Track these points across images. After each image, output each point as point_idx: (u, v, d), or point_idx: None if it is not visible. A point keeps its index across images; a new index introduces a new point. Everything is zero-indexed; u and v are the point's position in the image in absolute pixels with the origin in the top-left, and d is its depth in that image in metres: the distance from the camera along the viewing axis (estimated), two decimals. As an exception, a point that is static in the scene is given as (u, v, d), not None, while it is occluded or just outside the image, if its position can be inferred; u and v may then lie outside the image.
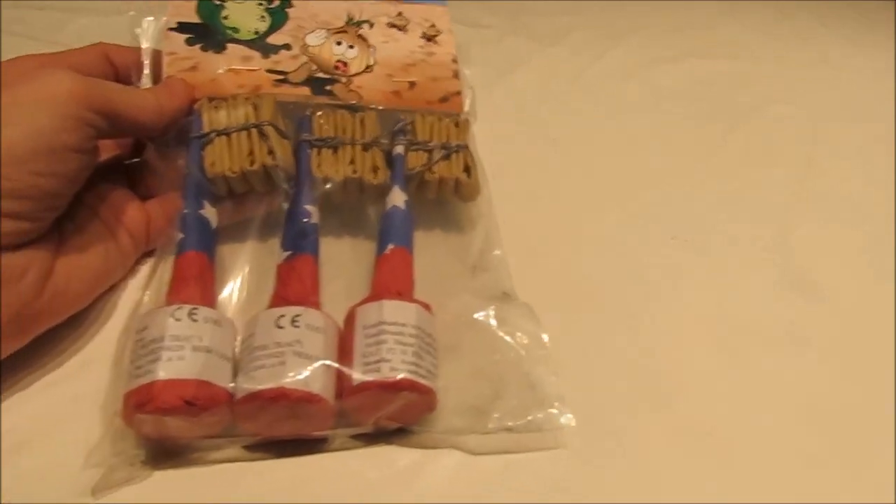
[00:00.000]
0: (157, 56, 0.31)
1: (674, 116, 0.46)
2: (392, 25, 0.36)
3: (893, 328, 0.33)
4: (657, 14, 0.59)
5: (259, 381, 0.23)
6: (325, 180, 0.29)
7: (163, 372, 0.22)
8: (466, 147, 0.32)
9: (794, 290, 0.34)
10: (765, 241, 0.37)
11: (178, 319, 0.24)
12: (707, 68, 0.52)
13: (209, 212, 0.28)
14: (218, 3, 0.34)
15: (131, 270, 0.29)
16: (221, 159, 0.28)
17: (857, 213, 0.40)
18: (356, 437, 0.25)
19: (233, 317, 0.26)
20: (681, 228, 0.37)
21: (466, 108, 0.35)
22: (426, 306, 0.26)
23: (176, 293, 0.25)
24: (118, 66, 0.30)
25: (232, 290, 0.28)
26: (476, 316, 0.27)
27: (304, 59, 0.33)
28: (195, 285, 0.26)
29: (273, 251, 0.29)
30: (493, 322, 0.27)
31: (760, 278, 0.35)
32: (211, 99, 0.30)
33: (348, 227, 0.31)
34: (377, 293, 0.26)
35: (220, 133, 0.29)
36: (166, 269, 0.26)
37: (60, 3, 0.47)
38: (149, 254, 0.29)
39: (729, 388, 0.30)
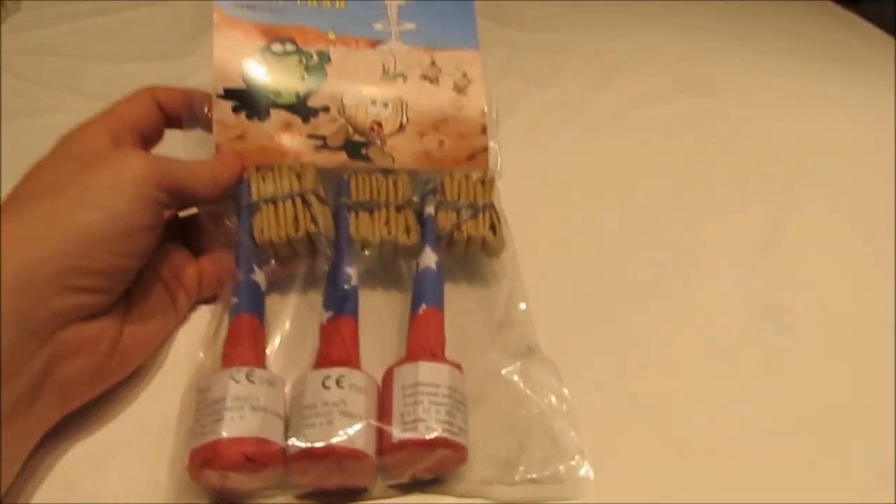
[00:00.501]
0: (201, 98, 0.33)
1: (661, 155, 0.48)
2: (425, 77, 0.37)
3: (864, 355, 0.36)
4: (643, 53, 0.62)
5: (310, 439, 0.26)
6: (363, 241, 0.32)
7: (226, 431, 0.25)
8: (492, 205, 0.34)
9: (769, 324, 0.37)
10: (746, 273, 0.40)
11: (237, 381, 0.26)
12: (693, 105, 0.54)
13: (259, 276, 0.31)
14: (261, 63, 0.36)
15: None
16: (269, 226, 0.31)
17: (833, 245, 0.43)
18: (394, 486, 0.28)
19: (280, 372, 0.29)
20: (667, 256, 0.39)
21: (492, 164, 0.37)
22: (457, 366, 0.29)
23: (232, 354, 0.28)
24: (167, 110, 0.33)
25: (278, 346, 0.31)
26: (503, 372, 0.30)
27: (342, 121, 0.35)
28: (249, 346, 0.28)
29: (314, 305, 0.32)
30: (519, 378, 0.30)
31: (741, 305, 0.37)
32: (258, 168, 0.32)
33: (383, 283, 0.34)
34: (413, 354, 0.29)
35: (267, 201, 0.31)
36: (223, 330, 0.29)
37: (83, 51, 0.50)
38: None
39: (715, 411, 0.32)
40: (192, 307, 0.32)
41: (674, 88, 0.56)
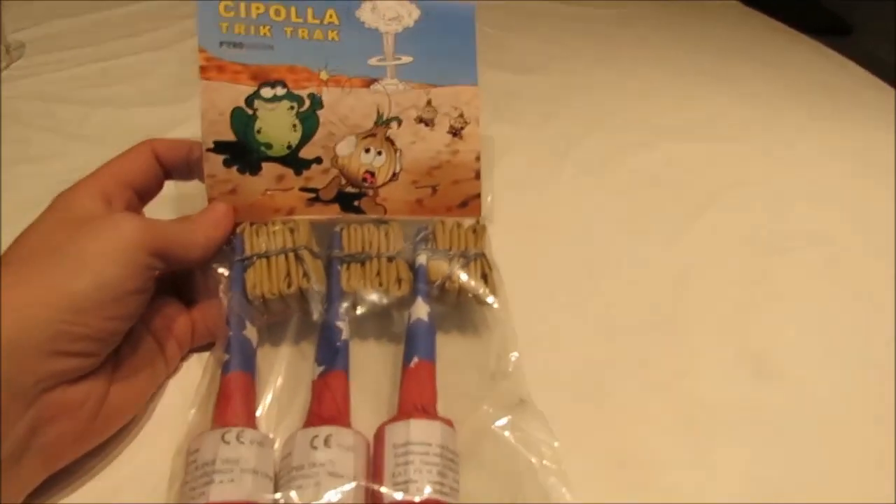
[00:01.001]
0: (199, 150, 0.33)
1: (643, 201, 0.48)
2: (420, 120, 0.37)
3: (845, 408, 0.35)
4: (634, 96, 0.62)
5: (297, 501, 0.26)
6: (354, 294, 0.32)
7: (215, 495, 0.25)
8: (483, 254, 0.34)
9: (751, 371, 0.36)
10: (728, 323, 0.39)
11: (227, 443, 0.27)
12: (676, 150, 0.54)
13: (250, 331, 0.31)
14: (251, 112, 0.35)
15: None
16: (261, 282, 0.31)
17: (818, 301, 0.42)
18: (385, 545, 0.28)
19: (272, 428, 0.29)
20: (653, 312, 0.39)
21: (485, 210, 0.37)
22: (449, 423, 0.29)
23: (223, 413, 0.28)
24: (166, 163, 0.33)
25: (270, 401, 0.31)
26: (495, 426, 0.30)
27: (335, 172, 0.35)
28: (240, 405, 0.29)
29: (306, 356, 0.32)
30: (510, 433, 0.30)
31: (724, 357, 0.37)
32: (251, 223, 0.33)
33: (375, 332, 0.34)
34: (405, 410, 0.29)
35: (260, 257, 0.32)
36: (214, 386, 0.29)
37: (84, 97, 0.51)
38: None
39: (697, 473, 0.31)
40: (184, 356, 0.33)
41: (663, 133, 0.56)
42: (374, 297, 0.32)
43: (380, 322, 0.33)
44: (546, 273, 0.41)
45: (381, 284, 0.33)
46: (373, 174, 0.36)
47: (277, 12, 0.35)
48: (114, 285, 0.26)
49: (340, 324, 0.31)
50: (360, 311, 0.32)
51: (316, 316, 0.31)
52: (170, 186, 0.35)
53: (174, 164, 0.34)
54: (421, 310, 0.32)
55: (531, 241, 0.43)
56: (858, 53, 0.80)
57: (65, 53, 0.55)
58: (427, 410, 0.29)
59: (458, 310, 0.35)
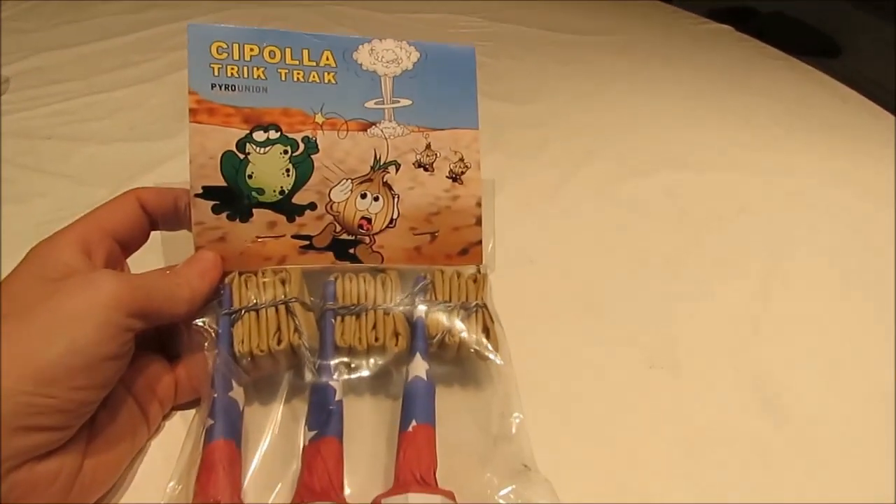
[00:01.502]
0: (187, 198, 0.32)
1: (642, 232, 0.48)
2: (419, 165, 0.36)
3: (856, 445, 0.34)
4: (625, 127, 0.62)
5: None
6: (349, 349, 0.30)
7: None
8: (485, 306, 0.33)
9: (763, 412, 0.35)
10: (737, 361, 0.38)
11: (208, 520, 0.25)
12: (674, 179, 0.54)
13: (237, 392, 0.29)
14: (242, 156, 0.34)
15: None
16: (250, 337, 0.29)
17: (821, 332, 0.41)
18: None
19: (258, 494, 0.27)
20: (655, 356, 0.38)
21: (486, 258, 0.35)
22: (450, 494, 0.27)
23: (206, 486, 0.26)
24: (152, 214, 0.32)
25: (257, 467, 0.29)
26: (499, 496, 0.28)
27: (329, 218, 0.34)
28: (224, 476, 0.26)
29: (297, 416, 0.30)
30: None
31: (734, 400, 0.36)
32: (241, 273, 0.31)
33: (371, 388, 0.32)
34: (403, 482, 0.27)
35: (248, 309, 0.30)
36: (198, 452, 0.27)
37: (68, 132, 0.50)
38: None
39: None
40: (167, 414, 0.31)
41: (659, 162, 0.56)
42: (370, 357, 0.30)
43: (376, 380, 0.32)
44: (546, 319, 0.40)
45: (377, 339, 0.31)
46: (369, 220, 0.35)
47: (272, 54, 0.34)
48: (87, 352, 0.24)
49: (334, 383, 0.29)
50: (354, 369, 0.30)
51: (308, 377, 0.29)
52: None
53: (161, 214, 0.32)
54: (419, 367, 0.30)
55: (530, 282, 0.41)
56: (848, 74, 0.82)
57: (50, 88, 0.54)
58: (426, 481, 0.27)
59: (459, 364, 0.34)
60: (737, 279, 0.44)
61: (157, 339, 0.31)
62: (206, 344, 0.30)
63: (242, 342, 0.29)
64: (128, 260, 0.32)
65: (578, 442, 0.33)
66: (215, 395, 0.28)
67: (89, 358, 0.24)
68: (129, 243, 0.31)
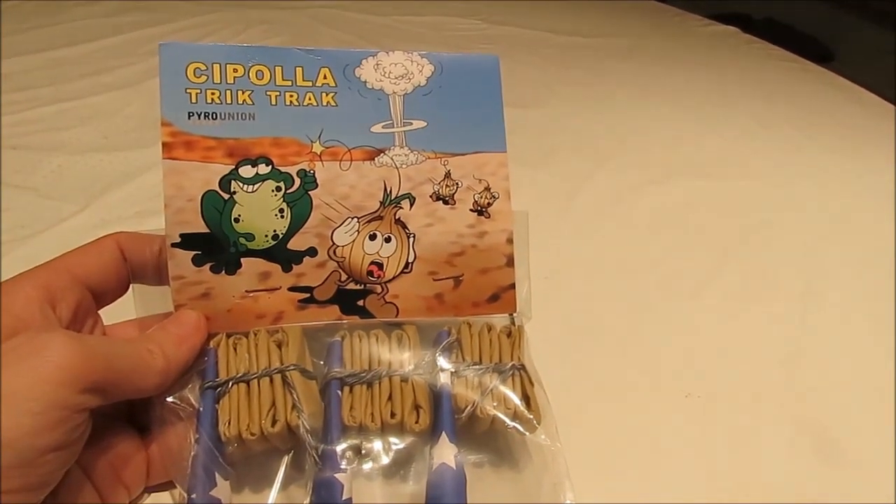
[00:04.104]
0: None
1: (662, 246, 0.46)
2: (437, 197, 0.31)
3: None
4: (637, 133, 0.61)
5: None
6: (360, 428, 0.26)
7: None
8: (524, 368, 0.28)
9: (811, 450, 0.32)
10: (778, 394, 0.36)
11: None
12: (691, 188, 0.53)
13: (221, 489, 0.24)
14: (227, 196, 0.29)
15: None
16: (239, 416, 0.25)
17: (860, 352, 0.39)
18: None
19: None
20: (690, 384, 0.35)
21: (521, 305, 0.31)
22: None
23: None
24: (132, 262, 0.28)
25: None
26: None
27: (332, 266, 0.29)
28: None
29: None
30: None
31: (777, 439, 0.33)
32: (229, 335, 0.27)
33: (386, 480, 0.27)
34: None
35: (237, 381, 0.25)
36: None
37: (35, 142, 0.47)
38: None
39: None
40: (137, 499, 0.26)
41: (669, 169, 0.55)
42: (385, 438, 0.25)
43: (392, 468, 0.27)
44: (566, 344, 0.36)
45: (393, 415, 0.26)
46: (380, 266, 0.30)
47: (259, 74, 0.29)
48: (22, 445, 0.19)
49: (341, 476, 0.24)
50: (365, 455, 0.25)
51: (308, 466, 0.24)
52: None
53: (138, 265, 0.28)
54: (446, 452, 0.25)
55: (545, 301, 0.35)
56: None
57: (17, 95, 0.51)
58: None
59: (492, 438, 0.28)
60: (770, 299, 0.42)
61: (127, 404, 0.26)
62: (184, 425, 0.25)
63: (229, 423, 0.25)
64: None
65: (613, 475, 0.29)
66: (193, 496, 0.23)
67: (25, 452, 0.19)
68: (105, 293, 0.27)
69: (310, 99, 0.30)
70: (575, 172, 0.52)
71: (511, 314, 0.31)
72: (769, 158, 0.58)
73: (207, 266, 0.28)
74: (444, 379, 0.27)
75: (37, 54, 0.59)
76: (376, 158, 0.31)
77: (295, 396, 0.25)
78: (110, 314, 0.28)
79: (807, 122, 0.65)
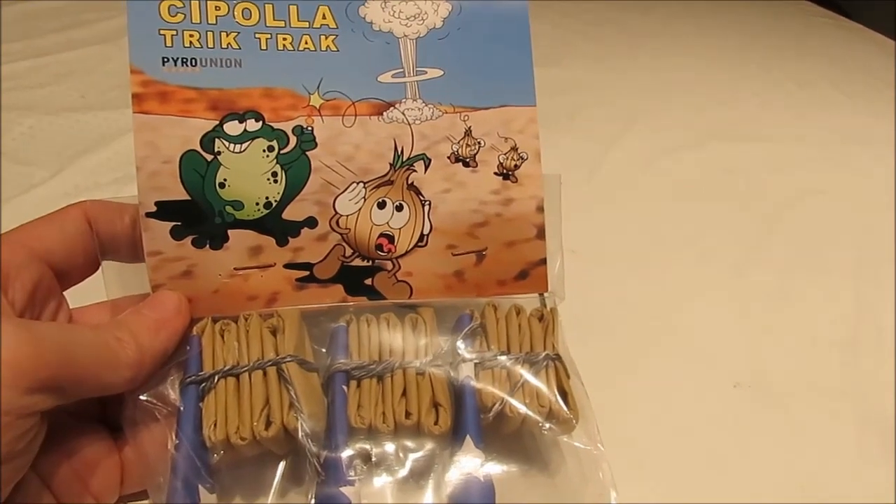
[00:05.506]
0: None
1: (702, 216, 0.43)
2: (457, 158, 0.28)
3: None
4: (666, 92, 0.58)
5: None
6: (369, 430, 0.22)
7: None
8: (559, 358, 0.24)
9: (878, 444, 0.30)
10: (836, 381, 0.33)
11: None
12: (729, 152, 0.50)
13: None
14: (210, 158, 0.25)
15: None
16: (226, 417, 0.21)
17: None
18: None
19: None
20: (739, 372, 0.33)
21: (554, 284, 0.27)
22: None
23: None
24: (101, 236, 0.24)
25: None
26: None
27: (335, 238, 0.26)
28: None
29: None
30: None
31: (839, 433, 0.30)
32: (215, 320, 0.23)
33: (401, 492, 0.23)
34: None
35: (225, 374, 0.22)
36: None
37: (4, 101, 0.44)
38: None
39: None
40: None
41: (702, 131, 0.52)
42: (398, 442, 0.22)
43: (409, 478, 0.23)
44: (600, 325, 0.33)
45: (408, 415, 0.23)
46: (391, 239, 0.26)
47: (247, 13, 0.25)
48: None
49: (348, 489, 0.21)
50: (376, 464, 0.22)
51: (309, 476, 0.21)
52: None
53: (110, 238, 0.25)
54: (472, 460, 0.22)
55: (573, 277, 0.31)
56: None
57: None
58: None
59: (521, 438, 0.25)
60: (822, 275, 0.39)
61: (98, 400, 0.23)
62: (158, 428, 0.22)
63: (215, 425, 0.22)
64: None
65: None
66: (174, 512, 0.20)
67: None
68: (69, 271, 0.24)
69: (306, 43, 0.26)
70: (600, 135, 0.49)
71: (542, 294, 0.27)
72: (808, 119, 0.55)
73: (189, 239, 0.25)
74: (466, 371, 0.24)
75: (6, 6, 0.55)
76: (385, 113, 0.27)
77: (292, 393, 0.22)
78: (78, 296, 0.25)
79: (848, 81, 0.62)
